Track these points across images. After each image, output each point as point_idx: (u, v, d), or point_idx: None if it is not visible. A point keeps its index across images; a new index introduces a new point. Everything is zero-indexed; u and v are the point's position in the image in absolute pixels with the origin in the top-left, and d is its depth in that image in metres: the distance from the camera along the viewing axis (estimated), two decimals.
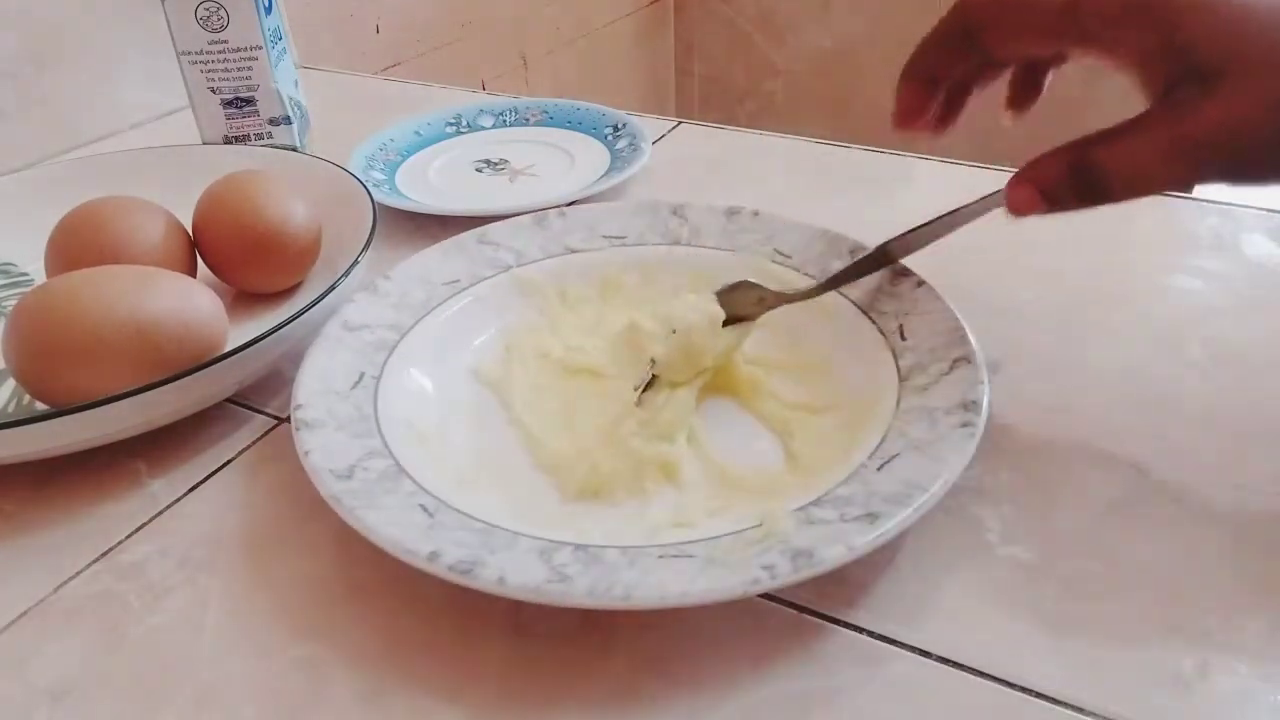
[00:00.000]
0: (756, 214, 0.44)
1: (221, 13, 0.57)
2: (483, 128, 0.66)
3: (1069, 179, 0.31)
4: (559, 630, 0.29)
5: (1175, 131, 0.29)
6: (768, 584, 0.26)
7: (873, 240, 0.40)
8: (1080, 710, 0.26)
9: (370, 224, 0.44)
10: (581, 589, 0.27)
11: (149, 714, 0.27)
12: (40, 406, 0.37)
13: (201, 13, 0.57)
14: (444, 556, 0.28)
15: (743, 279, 0.39)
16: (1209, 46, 0.28)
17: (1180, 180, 0.30)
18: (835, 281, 0.39)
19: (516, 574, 0.27)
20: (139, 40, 0.69)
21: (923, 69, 0.35)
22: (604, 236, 0.45)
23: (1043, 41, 0.32)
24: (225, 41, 0.58)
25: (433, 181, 0.59)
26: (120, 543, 0.33)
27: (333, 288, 0.40)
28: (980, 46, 0.33)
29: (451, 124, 0.66)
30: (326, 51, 0.89)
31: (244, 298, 0.46)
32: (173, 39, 0.57)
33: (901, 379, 0.35)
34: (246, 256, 0.44)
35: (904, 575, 0.30)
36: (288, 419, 0.34)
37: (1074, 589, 0.29)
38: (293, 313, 0.38)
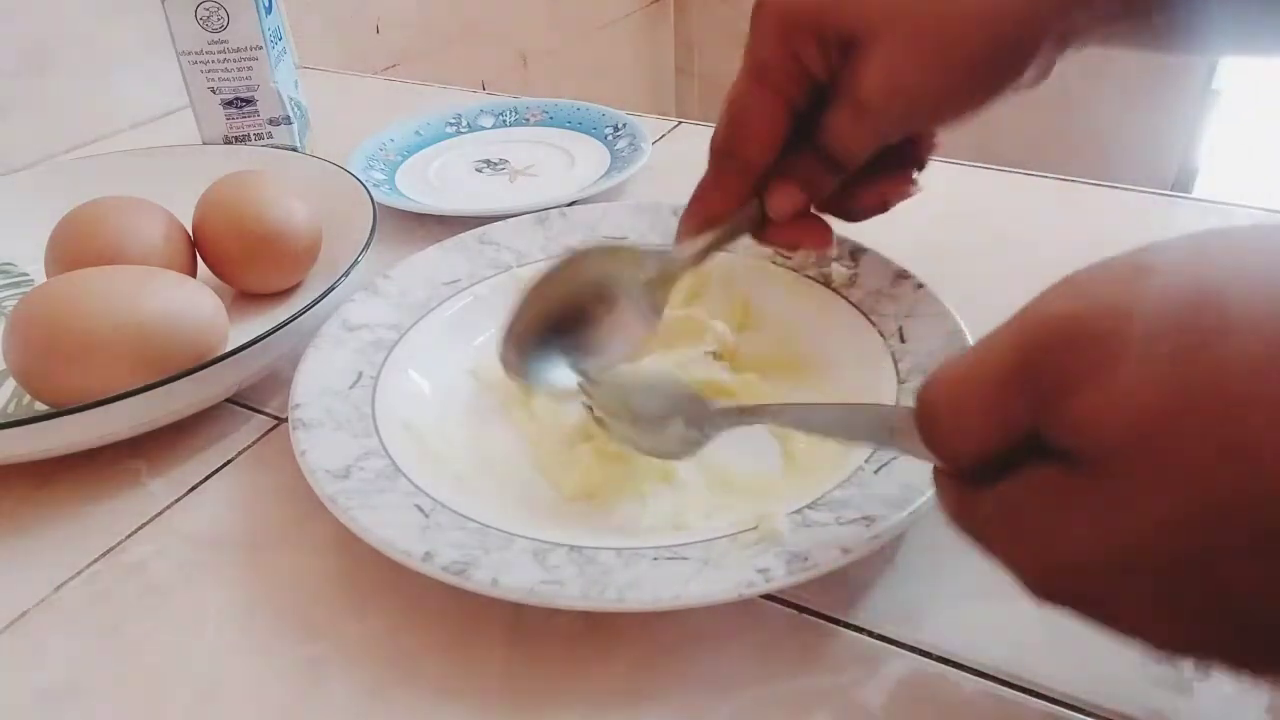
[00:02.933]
0: None
1: (221, 13, 0.57)
2: (483, 128, 0.66)
3: (817, 161, 0.32)
4: (559, 630, 0.29)
5: (854, 102, 0.31)
6: (762, 587, 0.26)
7: (872, 240, 0.40)
8: (1080, 710, 0.26)
9: (370, 224, 0.44)
10: (575, 591, 0.27)
11: (149, 714, 0.27)
12: (40, 406, 0.37)
13: (201, 13, 0.57)
14: (438, 557, 0.28)
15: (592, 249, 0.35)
16: (851, 16, 0.30)
17: (879, 139, 0.32)
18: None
19: (510, 575, 0.27)
20: (139, 40, 0.69)
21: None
22: (604, 237, 0.45)
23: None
24: (225, 41, 0.58)
25: (433, 181, 0.59)
26: (120, 543, 0.33)
27: (333, 288, 0.40)
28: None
29: (451, 124, 0.66)
30: (326, 51, 0.89)
31: (244, 298, 0.46)
32: (173, 39, 0.57)
33: (901, 381, 0.35)
34: (246, 257, 0.44)
35: (904, 575, 0.30)
36: (287, 419, 0.34)
37: None
38: (293, 313, 0.38)
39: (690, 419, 0.32)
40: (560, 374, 0.34)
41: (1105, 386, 0.18)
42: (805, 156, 0.33)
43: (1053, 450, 0.19)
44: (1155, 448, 0.18)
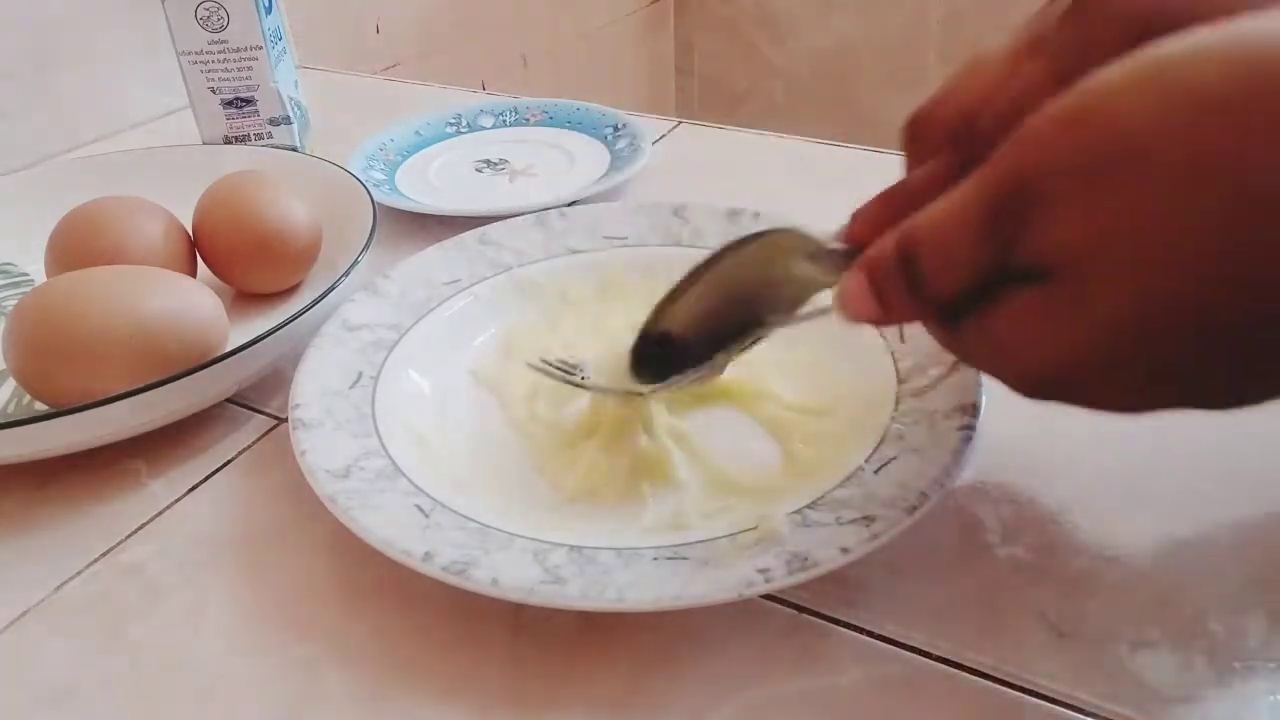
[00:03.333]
0: (758, 215, 0.44)
1: (221, 13, 0.57)
2: (483, 128, 0.66)
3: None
4: (559, 630, 0.29)
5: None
6: (762, 587, 0.26)
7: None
8: (1080, 710, 0.26)
9: (370, 224, 0.44)
10: (575, 590, 0.27)
11: (149, 714, 0.27)
12: (40, 406, 0.37)
13: (201, 13, 0.57)
14: (438, 557, 0.28)
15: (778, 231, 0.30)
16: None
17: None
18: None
19: (510, 575, 0.27)
20: (139, 40, 0.69)
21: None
22: (604, 237, 0.45)
23: None
24: (225, 41, 0.58)
25: (433, 181, 0.59)
26: (120, 543, 0.33)
27: (333, 288, 0.40)
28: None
29: (451, 124, 0.66)
30: (326, 51, 0.89)
31: (244, 298, 0.46)
32: (173, 39, 0.57)
33: (900, 381, 0.35)
34: (246, 257, 0.44)
35: (904, 575, 0.30)
36: (287, 419, 0.34)
37: (1074, 589, 0.29)
38: (293, 313, 0.38)
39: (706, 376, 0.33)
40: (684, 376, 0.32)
41: (1064, 212, 0.22)
42: None
43: (1022, 275, 0.23)
44: (1111, 248, 0.21)
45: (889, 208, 0.28)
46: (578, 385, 0.35)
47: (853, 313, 0.27)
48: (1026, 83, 0.26)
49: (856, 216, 0.29)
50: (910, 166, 0.30)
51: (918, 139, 0.29)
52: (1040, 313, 0.23)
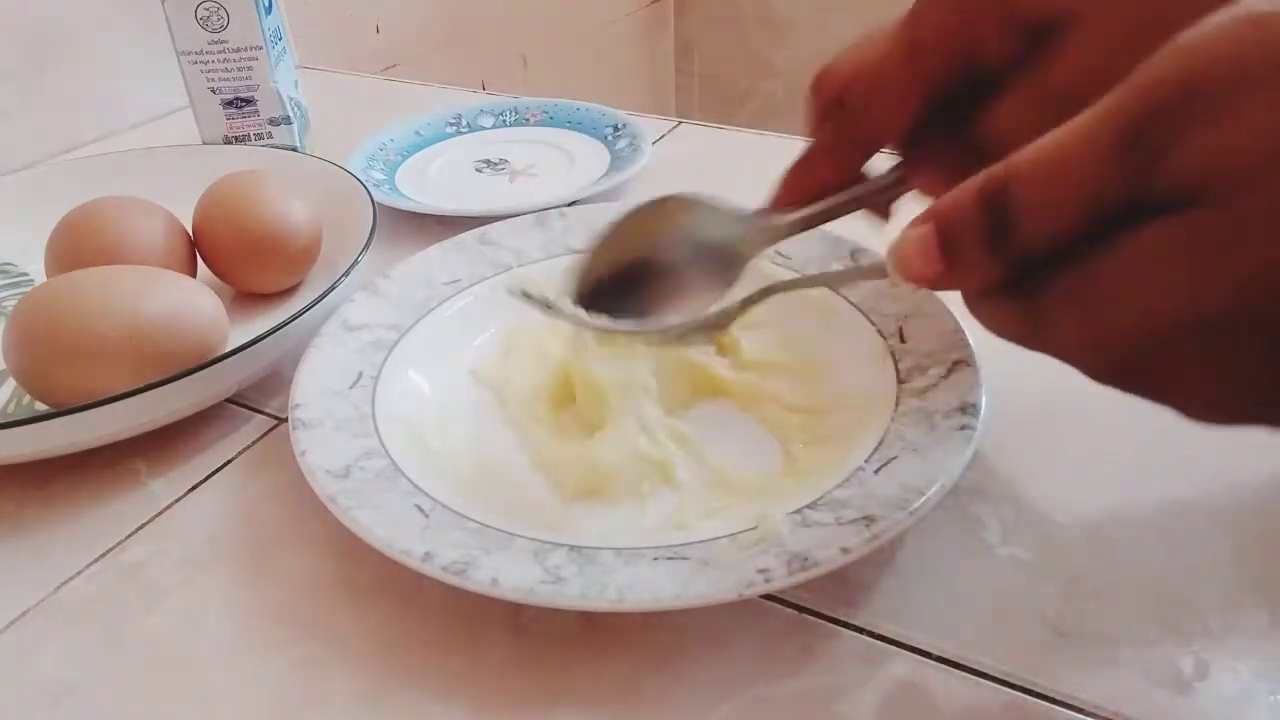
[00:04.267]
0: None
1: (221, 13, 0.57)
2: (483, 128, 0.66)
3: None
4: (559, 630, 0.29)
5: (1043, 93, 0.26)
6: (762, 587, 0.26)
7: (872, 240, 0.40)
8: (1080, 710, 0.26)
9: (370, 224, 0.44)
10: (575, 590, 0.27)
11: (149, 714, 0.27)
12: (40, 406, 0.37)
13: (201, 13, 0.57)
14: (438, 557, 0.28)
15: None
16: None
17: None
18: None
19: (510, 575, 0.27)
20: (139, 40, 0.69)
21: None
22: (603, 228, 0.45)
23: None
24: (225, 41, 0.58)
25: (433, 181, 0.59)
26: (120, 543, 0.33)
27: (333, 288, 0.40)
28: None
29: (451, 124, 0.66)
30: (326, 51, 0.89)
31: (244, 298, 0.46)
32: (173, 39, 0.57)
33: (900, 381, 0.35)
34: (247, 257, 0.44)
35: (904, 575, 0.30)
36: (287, 419, 0.34)
37: (1074, 589, 0.29)
38: (293, 313, 0.38)
39: (707, 330, 0.31)
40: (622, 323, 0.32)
41: (1225, 126, 0.18)
42: (946, 148, 0.29)
43: (1152, 209, 0.19)
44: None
45: (804, 174, 0.30)
46: (554, 315, 0.33)
47: (911, 270, 0.23)
48: (911, 101, 0.28)
49: (779, 184, 0.30)
50: (813, 133, 0.31)
51: (813, 106, 0.31)
52: (1177, 247, 0.19)
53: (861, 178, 0.31)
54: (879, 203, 0.31)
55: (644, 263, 0.32)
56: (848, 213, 0.31)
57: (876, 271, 0.25)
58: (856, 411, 0.35)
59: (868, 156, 0.30)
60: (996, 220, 0.21)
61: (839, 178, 0.30)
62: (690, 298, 0.32)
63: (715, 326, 0.31)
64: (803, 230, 0.31)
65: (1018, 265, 0.21)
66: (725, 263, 0.31)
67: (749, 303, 0.31)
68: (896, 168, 0.30)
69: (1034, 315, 0.22)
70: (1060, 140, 0.21)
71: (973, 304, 0.24)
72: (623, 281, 0.32)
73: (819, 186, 0.30)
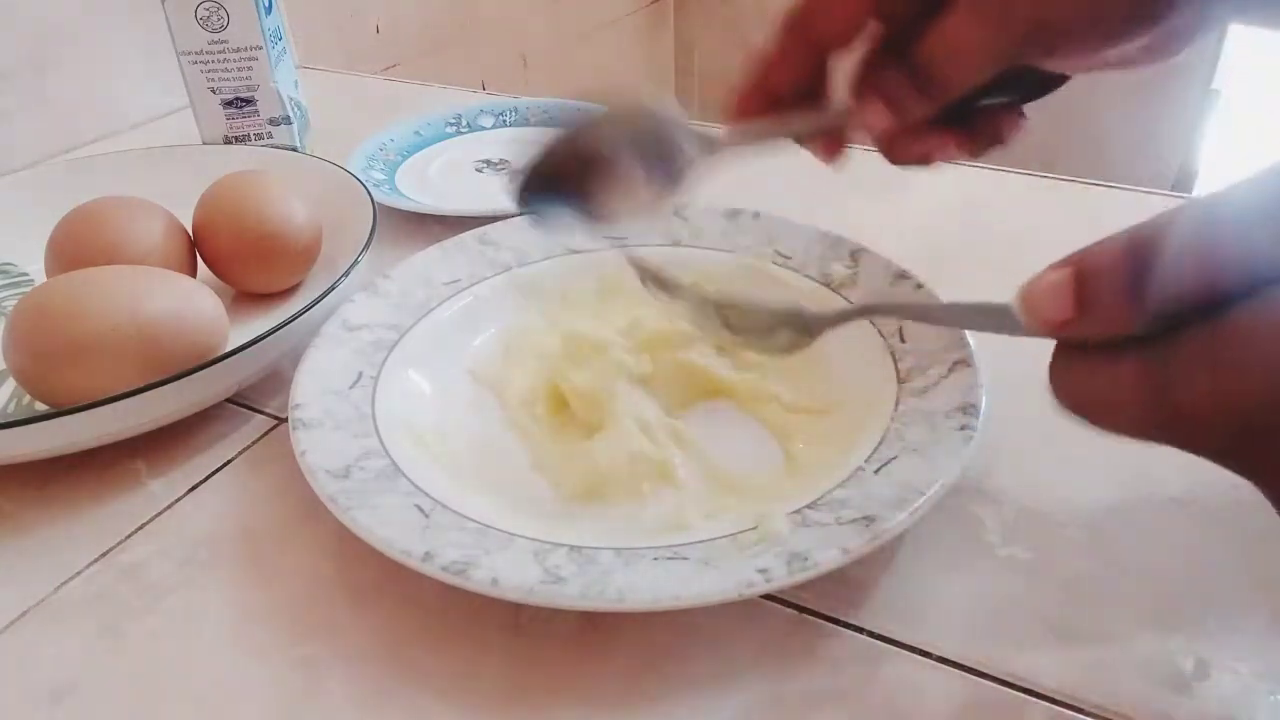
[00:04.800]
0: (757, 215, 0.44)
1: (221, 13, 0.57)
2: (483, 128, 0.66)
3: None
4: (559, 630, 0.29)
5: (974, 8, 0.26)
6: (762, 587, 0.26)
7: (872, 241, 0.40)
8: (1080, 710, 0.26)
9: (370, 224, 0.44)
10: (575, 590, 0.27)
11: (149, 714, 0.27)
12: (40, 406, 0.37)
13: (201, 13, 0.57)
14: (438, 557, 0.28)
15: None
16: None
17: (993, 59, 0.27)
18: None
19: (510, 575, 0.27)
20: (139, 40, 0.69)
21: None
22: (604, 237, 0.45)
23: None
24: (225, 41, 0.58)
25: (433, 181, 0.59)
26: (120, 543, 0.33)
27: (333, 288, 0.40)
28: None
29: (451, 124, 0.66)
30: (326, 51, 0.89)
31: (244, 298, 0.46)
32: (173, 39, 0.57)
33: (900, 381, 0.35)
34: (247, 257, 0.44)
35: (904, 575, 0.30)
36: (287, 419, 0.34)
37: (1074, 589, 0.29)
38: (293, 313, 0.38)
39: (797, 329, 0.32)
40: (562, 218, 0.32)
41: None
42: (893, 75, 0.29)
43: None
44: None
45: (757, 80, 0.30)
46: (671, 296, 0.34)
47: (1040, 311, 0.21)
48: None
49: (733, 92, 0.30)
50: (777, 54, 0.30)
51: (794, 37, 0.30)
52: None
53: (814, 102, 0.31)
54: (828, 139, 0.32)
55: (591, 158, 0.31)
56: (794, 136, 0.31)
57: (996, 313, 0.24)
58: (856, 411, 0.35)
59: (820, 59, 0.30)
60: (1141, 268, 0.19)
61: (792, 82, 0.31)
62: (632, 194, 0.31)
63: (805, 333, 0.32)
64: (745, 144, 0.31)
65: (1160, 314, 0.19)
66: (670, 168, 0.31)
67: (843, 318, 0.31)
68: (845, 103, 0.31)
69: (1163, 374, 0.20)
70: (1217, 202, 0.19)
71: (1077, 373, 0.22)
72: (572, 174, 0.31)
73: (771, 96, 0.31)
